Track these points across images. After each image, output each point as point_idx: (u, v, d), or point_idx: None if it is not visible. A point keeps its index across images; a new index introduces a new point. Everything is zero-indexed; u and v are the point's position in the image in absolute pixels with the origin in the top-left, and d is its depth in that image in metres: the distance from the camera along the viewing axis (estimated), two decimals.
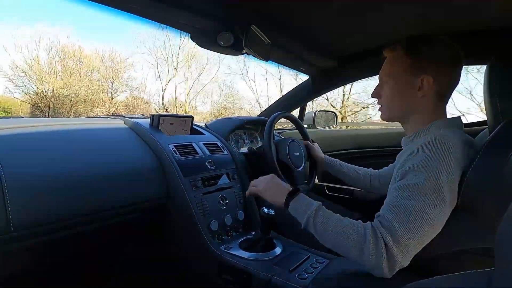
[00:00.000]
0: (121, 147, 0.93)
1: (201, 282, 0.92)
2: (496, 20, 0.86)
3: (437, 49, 0.72)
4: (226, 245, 0.90)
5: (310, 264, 0.78)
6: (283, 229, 1.04)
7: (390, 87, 0.78)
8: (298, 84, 1.65)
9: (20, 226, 0.63)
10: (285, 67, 1.42)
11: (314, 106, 9.86)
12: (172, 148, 0.98)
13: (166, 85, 13.12)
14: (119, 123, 1.08)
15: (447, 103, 0.77)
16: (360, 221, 0.66)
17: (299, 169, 1.24)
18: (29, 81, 11.44)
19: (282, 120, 1.33)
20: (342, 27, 0.99)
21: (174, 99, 13.34)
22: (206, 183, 0.99)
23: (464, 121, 0.81)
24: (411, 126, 0.78)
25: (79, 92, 11.62)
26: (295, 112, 1.75)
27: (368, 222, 0.66)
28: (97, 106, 11.74)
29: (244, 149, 1.42)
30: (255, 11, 0.87)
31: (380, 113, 0.83)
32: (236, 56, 1.03)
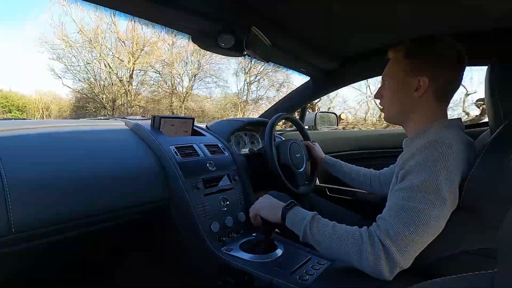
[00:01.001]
0: (122, 148, 0.93)
1: (202, 283, 0.91)
2: (498, 21, 0.86)
3: (435, 50, 0.73)
4: (227, 247, 0.90)
5: (312, 265, 0.78)
6: (285, 230, 1.04)
7: (389, 88, 0.80)
8: (299, 85, 1.65)
9: (21, 228, 0.63)
10: (286, 68, 1.43)
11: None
12: (173, 150, 0.98)
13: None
14: (120, 124, 1.08)
15: (447, 104, 0.77)
16: (356, 226, 0.67)
17: (300, 170, 1.24)
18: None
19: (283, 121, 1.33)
20: (343, 28, 0.99)
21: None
22: (207, 184, 0.99)
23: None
24: (411, 127, 0.78)
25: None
26: (297, 114, 1.75)
27: (364, 226, 0.66)
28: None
29: (245, 151, 1.42)
30: (256, 13, 0.87)
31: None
32: None
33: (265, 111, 1.77)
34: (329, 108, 8.89)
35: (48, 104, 12.25)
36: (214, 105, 11.85)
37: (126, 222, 0.86)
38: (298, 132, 1.41)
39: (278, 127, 1.48)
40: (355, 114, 9.48)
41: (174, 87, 11.29)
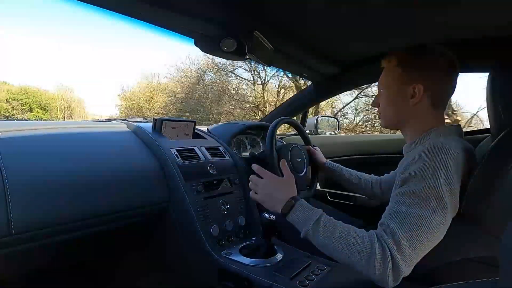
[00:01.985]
0: (123, 151, 0.94)
1: (201, 287, 0.91)
2: (499, 28, 0.86)
3: (427, 58, 0.74)
4: (226, 251, 0.89)
5: (312, 271, 0.78)
6: (285, 235, 1.04)
7: (385, 96, 0.81)
8: (301, 90, 1.66)
9: (22, 229, 0.63)
10: (288, 72, 1.43)
11: None
12: (174, 152, 0.98)
13: None
14: (121, 126, 1.09)
15: (444, 109, 0.78)
16: (363, 230, 0.64)
17: (301, 174, 1.24)
18: None
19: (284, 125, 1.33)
20: (345, 34, 0.99)
21: None
22: (208, 188, 0.99)
23: None
24: (409, 134, 0.79)
25: None
26: (298, 118, 1.76)
27: (372, 231, 0.64)
28: None
29: (246, 154, 1.42)
30: (259, 17, 0.87)
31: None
32: None
33: (266, 115, 1.77)
34: None
35: (69, 103, 12.04)
36: None
37: (126, 225, 0.86)
38: (299, 136, 1.41)
39: (279, 131, 1.48)
40: None
41: None
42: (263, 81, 9.82)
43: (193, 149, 1.06)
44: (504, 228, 0.29)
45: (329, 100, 7.84)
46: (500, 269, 0.24)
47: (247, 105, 10.21)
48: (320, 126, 1.78)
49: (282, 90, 9.59)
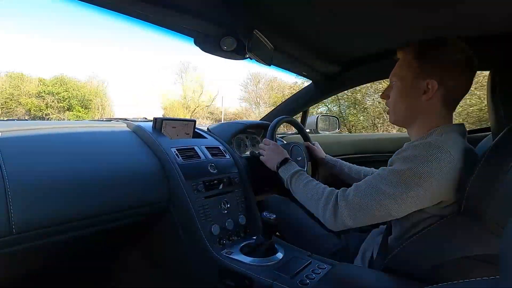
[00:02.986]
0: (123, 150, 0.94)
1: (202, 286, 0.91)
2: (500, 26, 0.86)
3: (446, 53, 0.72)
4: (227, 250, 0.89)
5: (312, 269, 0.78)
6: (285, 234, 1.04)
7: (397, 89, 0.79)
8: (301, 88, 1.65)
9: (22, 228, 0.63)
10: (288, 71, 1.43)
11: None
12: (175, 152, 0.98)
13: None
14: (121, 126, 1.09)
15: (454, 109, 0.76)
16: (327, 186, 0.80)
17: None
18: None
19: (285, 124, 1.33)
20: (345, 32, 0.99)
21: None
22: (208, 187, 0.99)
23: None
24: (415, 131, 0.78)
25: None
26: (298, 117, 1.75)
27: (336, 190, 0.77)
28: None
29: (246, 154, 1.42)
30: (258, 16, 0.87)
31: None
32: None
33: (266, 114, 1.77)
34: None
35: (103, 100, 11.04)
36: None
37: (127, 224, 0.86)
38: (299, 135, 1.41)
39: (279, 130, 1.48)
40: None
41: None
42: None
43: (193, 148, 1.06)
44: (504, 226, 0.29)
45: None
46: (500, 267, 0.24)
47: None
48: (320, 125, 1.77)
49: None
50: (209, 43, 0.93)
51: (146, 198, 0.88)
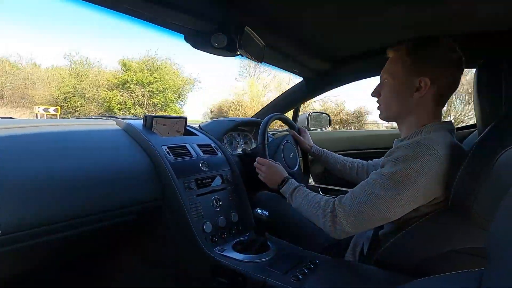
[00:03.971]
0: (113, 148, 0.92)
1: (195, 284, 0.91)
2: (486, 24, 0.88)
3: (438, 51, 0.73)
4: (220, 247, 0.89)
5: (304, 265, 0.78)
6: (278, 230, 1.04)
7: (389, 86, 0.79)
8: (292, 86, 1.66)
9: (9, 229, 0.62)
10: (279, 68, 1.43)
11: None
12: (166, 150, 0.98)
13: None
14: (111, 124, 1.07)
15: (443, 106, 0.78)
16: (324, 196, 0.82)
17: (293, 170, 1.25)
18: None
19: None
20: (336, 30, 1.00)
21: None
22: (200, 184, 0.99)
23: None
24: (406, 128, 0.79)
25: None
26: (290, 114, 1.76)
27: (333, 199, 0.79)
28: None
29: (238, 151, 1.42)
30: (250, 13, 0.87)
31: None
32: None
33: (258, 111, 1.77)
34: None
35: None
36: None
37: (118, 223, 0.85)
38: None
39: (271, 127, 1.48)
40: None
41: None
42: None
43: (184, 146, 1.06)
44: (491, 219, 0.30)
45: None
46: (487, 259, 0.25)
47: None
48: (312, 122, 1.79)
49: None
50: (200, 40, 0.92)
51: (137, 197, 0.87)
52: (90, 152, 0.85)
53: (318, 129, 1.83)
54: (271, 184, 0.99)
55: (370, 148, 1.70)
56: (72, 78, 11.75)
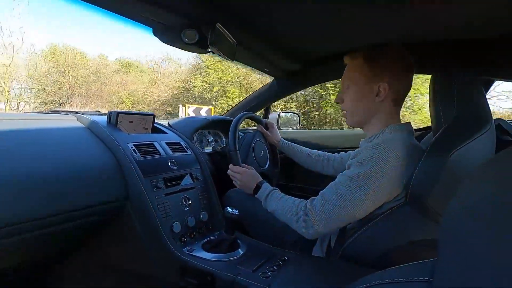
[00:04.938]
0: (74, 146, 0.86)
1: (163, 286, 0.88)
2: (442, 34, 0.95)
3: (392, 58, 0.79)
4: (189, 247, 0.88)
5: (274, 262, 0.80)
6: (248, 228, 1.05)
7: (351, 93, 0.84)
8: (264, 85, 1.67)
9: None
10: (251, 67, 1.43)
11: None
12: (132, 147, 0.93)
13: None
14: (71, 120, 1.00)
15: (401, 107, 0.84)
16: (298, 199, 0.85)
17: (265, 167, 1.26)
18: None
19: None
20: (306, 31, 1.02)
21: None
22: (169, 183, 0.96)
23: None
24: (370, 129, 0.84)
25: None
26: (261, 114, 1.77)
27: (304, 202, 0.82)
28: None
29: (209, 149, 1.40)
30: (221, 10, 0.86)
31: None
32: None
33: (229, 110, 1.76)
34: None
35: None
36: None
37: (80, 224, 0.80)
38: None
39: (241, 126, 1.48)
40: None
41: None
42: None
43: (152, 143, 1.02)
44: (443, 213, 0.33)
45: None
46: (438, 250, 0.27)
47: None
48: (282, 121, 1.81)
49: None
50: (169, 35, 0.89)
51: (100, 197, 0.82)
52: (49, 151, 0.78)
53: (288, 128, 1.86)
54: (247, 190, 1.01)
55: (339, 147, 1.77)
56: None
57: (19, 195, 0.66)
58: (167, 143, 1.07)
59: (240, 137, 1.30)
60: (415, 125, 0.96)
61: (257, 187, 0.97)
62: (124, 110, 1.10)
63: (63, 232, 0.78)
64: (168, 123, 1.31)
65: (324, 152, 1.22)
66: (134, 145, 0.95)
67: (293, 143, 1.28)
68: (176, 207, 0.94)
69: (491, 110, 0.78)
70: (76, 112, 1.10)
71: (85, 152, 0.86)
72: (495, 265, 0.20)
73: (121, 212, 0.89)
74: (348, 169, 0.77)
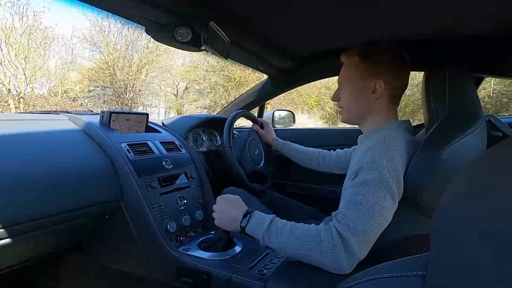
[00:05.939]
0: (66, 146, 0.85)
1: (159, 286, 0.88)
2: (435, 32, 0.96)
3: (387, 55, 0.79)
4: (184, 246, 0.88)
5: (270, 259, 0.80)
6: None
7: (348, 90, 0.84)
8: (258, 83, 1.67)
9: None
10: (244, 65, 1.43)
11: None
12: (125, 147, 0.93)
13: None
14: (63, 119, 0.99)
15: (398, 104, 0.85)
16: (313, 225, 0.68)
17: (260, 166, 1.26)
18: None
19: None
20: (300, 29, 1.02)
21: None
22: (163, 183, 0.96)
23: None
24: (367, 126, 0.84)
25: None
26: (255, 112, 1.77)
27: (321, 224, 0.69)
28: None
29: (203, 148, 1.39)
30: (215, 8, 0.85)
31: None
32: None
33: (223, 108, 1.76)
34: None
35: None
36: None
37: (75, 225, 0.79)
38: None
39: (236, 124, 1.48)
40: None
41: None
42: None
43: (146, 143, 1.01)
44: (435, 208, 0.33)
45: None
46: (431, 245, 0.28)
47: None
48: (276, 119, 1.81)
49: None
50: (162, 33, 0.88)
51: (94, 197, 0.81)
52: (41, 151, 0.77)
53: (282, 126, 1.86)
54: (231, 227, 0.76)
55: (334, 144, 1.77)
56: None
57: (11, 197, 0.65)
58: (161, 143, 1.06)
59: (235, 135, 1.30)
60: None
61: (245, 217, 0.72)
62: (117, 109, 1.09)
63: (57, 233, 0.77)
64: (162, 122, 1.30)
65: (319, 149, 1.22)
66: (127, 144, 0.94)
67: (288, 142, 1.28)
68: (171, 207, 0.94)
69: None
70: (68, 112, 1.09)
71: (77, 153, 0.85)
72: (486, 259, 0.20)
73: (115, 213, 0.88)
74: (360, 177, 0.69)
